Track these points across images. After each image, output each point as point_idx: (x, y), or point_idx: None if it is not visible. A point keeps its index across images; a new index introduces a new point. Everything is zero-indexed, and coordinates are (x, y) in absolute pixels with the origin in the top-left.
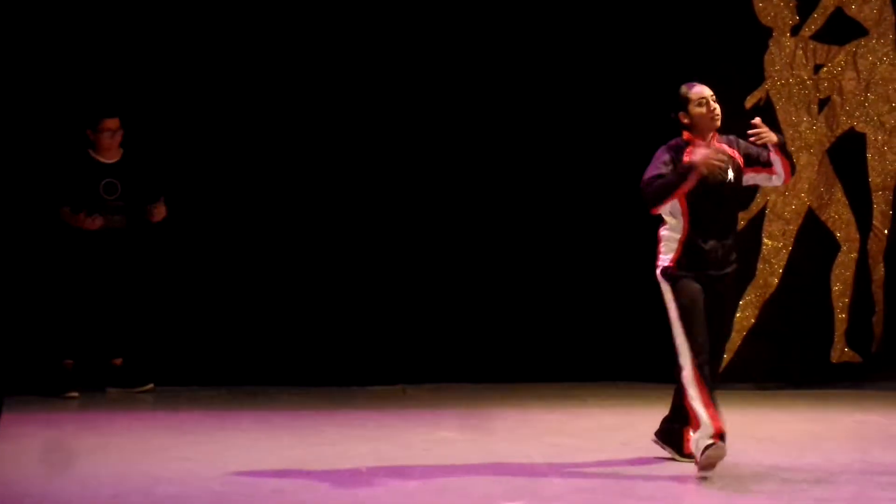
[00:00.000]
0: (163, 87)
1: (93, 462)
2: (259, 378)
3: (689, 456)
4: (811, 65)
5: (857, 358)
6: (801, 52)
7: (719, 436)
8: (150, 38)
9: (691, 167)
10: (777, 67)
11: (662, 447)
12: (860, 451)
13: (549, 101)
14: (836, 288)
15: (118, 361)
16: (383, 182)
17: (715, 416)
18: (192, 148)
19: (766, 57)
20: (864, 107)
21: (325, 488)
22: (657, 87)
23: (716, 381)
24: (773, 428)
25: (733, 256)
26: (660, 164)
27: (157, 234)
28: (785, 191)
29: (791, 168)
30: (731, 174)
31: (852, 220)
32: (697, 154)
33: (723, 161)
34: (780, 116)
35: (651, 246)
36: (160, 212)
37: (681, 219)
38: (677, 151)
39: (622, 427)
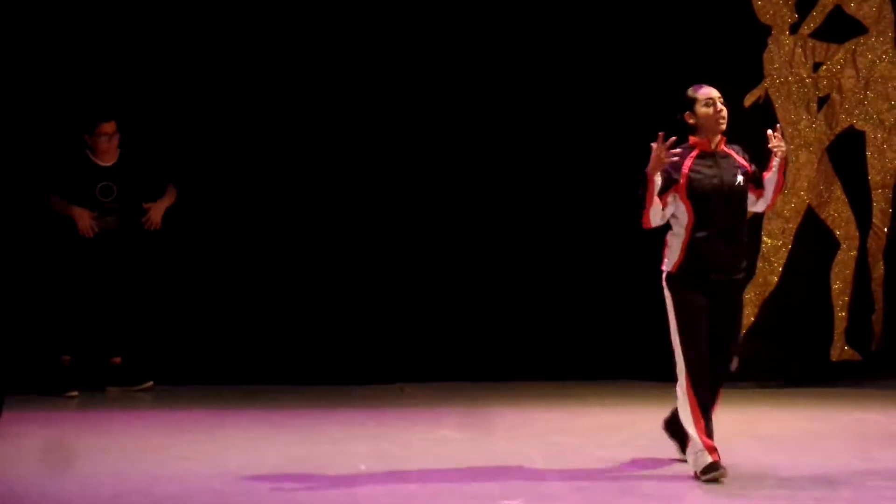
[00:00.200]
0: (159, 89)
1: (92, 461)
2: (258, 377)
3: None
4: (810, 63)
5: (856, 356)
6: (800, 50)
7: (711, 451)
8: (147, 41)
9: (644, 174)
10: (776, 65)
11: (669, 437)
12: (860, 450)
13: (548, 100)
14: (836, 286)
15: (117, 360)
16: (381, 181)
17: (702, 435)
18: (192, 147)
19: (765, 55)
20: (864, 105)
21: (324, 487)
22: (657, 85)
23: (721, 385)
24: (772, 426)
25: (743, 264)
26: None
27: (156, 232)
28: (784, 189)
29: (781, 189)
30: (738, 178)
31: (852, 218)
32: (650, 165)
33: (669, 155)
34: (780, 115)
35: (650, 245)
36: (157, 213)
37: (686, 221)
38: (681, 155)
39: (622, 426)
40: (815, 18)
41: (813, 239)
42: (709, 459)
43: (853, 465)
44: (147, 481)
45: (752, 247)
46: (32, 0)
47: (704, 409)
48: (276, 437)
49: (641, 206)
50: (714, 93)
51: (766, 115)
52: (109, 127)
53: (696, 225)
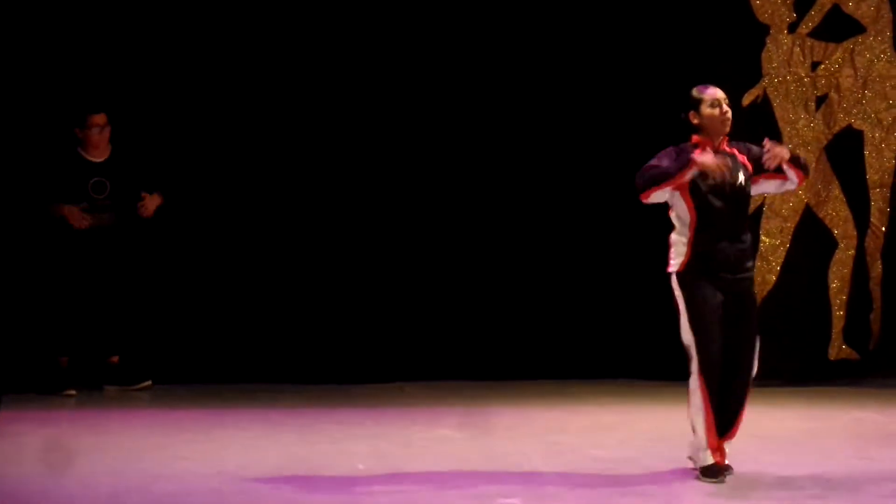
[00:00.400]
0: (156, 83)
1: (91, 460)
2: (257, 376)
3: (717, 472)
4: (808, 62)
5: (854, 355)
6: (798, 49)
7: (715, 450)
8: (138, 34)
9: (690, 161)
10: (774, 65)
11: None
12: (858, 449)
13: (547, 98)
14: (834, 285)
15: (115, 359)
16: (380, 179)
17: (710, 432)
18: (191, 144)
19: (764, 54)
20: (862, 104)
21: (323, 486)
22: (656, 84)
23: (745, 391)
24: (770, 425)
25: (749, 263)
26: (662, 156)
27: (154, 230)
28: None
29: (806, 173)
30: (741, 177)
31: (850, 217)
32: (704, 156)
33: (725, 170)
34: (778, 114)
35: (649, 243)
36: (152, 203)
37: (688, 221)
38: (685, 154)
39: (620, 425)
40: (814, 18)
41: (811, 238)
42: (710, 460)
43: (851, 464)
44: (145, 480)
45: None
46: None
47: (715, 404)
48: (274, 437)
49: (660, 180)
50: (720, 94)
51: (764, 114)
52: (100, 118)
53: (699, 225)
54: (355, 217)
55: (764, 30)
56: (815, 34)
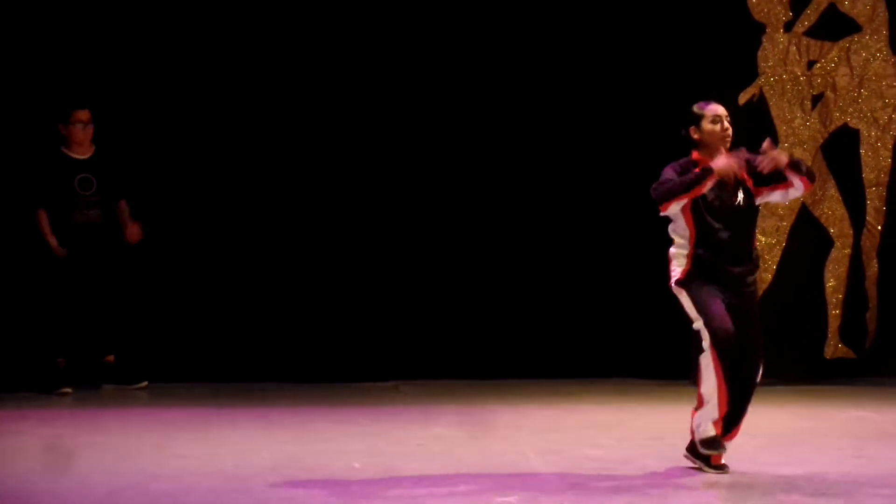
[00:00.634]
0: (146, 81)
1: (87, 459)
2: (253, 375)
3: (716, 467)
4: (804, 61)
5: (850, 354)
6: (794, 48)
7: (722, 420)
8: (121, 31)
9: (709, 170)
10: (770, 64)
11: (692, 462)
12: (854, 448)
13: (544, 99)
14: (830, 284)
15: (111, 359)
16: (377, 178)
17: (723, 402)
18: (184, 141)
19: (760, 53)
20: (858, 103)
21: (319, 484)
22: (653, 83)
23: (750, 395)
24: (767, 424)
25: (750, 278)
26: (668, 173)
27: (151, 230)
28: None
29: (811, 179)
30: (740, 196)
31: (846, 216)
32: (719, 161)
33: (739, 166)
34: (774, 113)
35: (645, 244)
36: (134, 233)
37: (688, 238)
38: (684, 170)
39: (616, 424)
40: (810, 17)
41: (807, 237)
42: (712, 432)
43: (848, 462)
44: (142, 479)
45: None
46: None
47: (729, 377)
48: (271, 435)
49: (680, 191)
50: (721, 110)
51: (760, 113)
52: (84, 114)
53: (698, 240)
54: (352, 215)
55: (760, 28)
56: (812, 33)
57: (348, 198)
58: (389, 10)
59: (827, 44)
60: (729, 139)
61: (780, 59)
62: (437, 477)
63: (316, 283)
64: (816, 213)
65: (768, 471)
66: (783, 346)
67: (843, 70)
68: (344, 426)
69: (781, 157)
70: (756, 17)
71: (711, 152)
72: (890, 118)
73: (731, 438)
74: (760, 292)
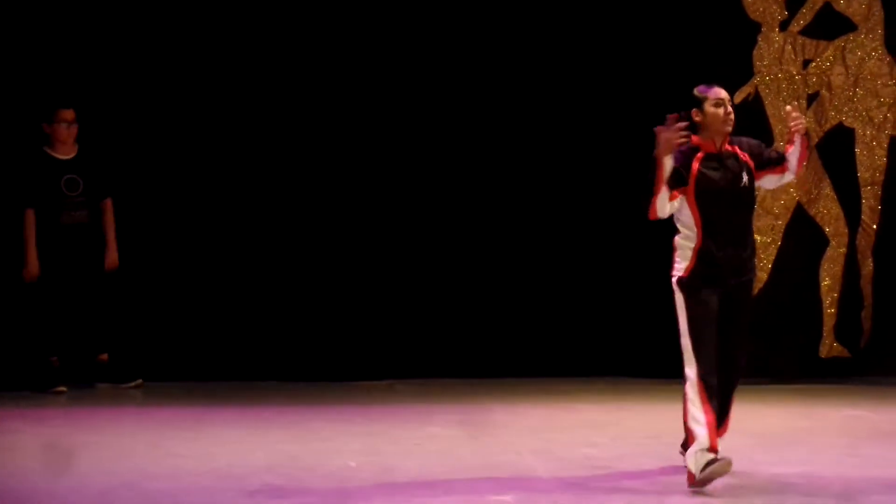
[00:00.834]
0: (140, 79)
1: (82, 458)
2: (248, 373)
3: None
4: (800, 60)
5: (845, 353)
6: (789, 47)
7: (714, 451)
8: (104, 29)
9: (654, 158)
10: (766, 62)
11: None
12: (849, 447)
13: (539, 95)
14: (825, 283)
15: (104, 357)
16: (372, 176)
17: (712, 434)
18: (176, 140)
19: (755, 52)
20: (853, 102)
21: (314, 483)
22: (648, 82)
23: (733, 389)
24: (761, 423)
25: (751, 264)
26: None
27: (143, 229)
28: (808, 158)
29: (807, 157)
30: (745, 178)
31: (841, 215)
32: (658, 143)
33: (679, 137)
34: (769, 111)
35: (641, 243)
36: (112, 259)
37: (694, 227)
38: (686, 157)
39: (612, 422)
40: (805, 15)
41: (802, 236)
42: (710, 456)
43: (842, 461)
44: (136, 478)
45: None
46: None
47: (714, 405)
48: (266, 434)
49: (649, 192)
50: (724, 94)
51: (755, 111)
52: (69, 114)
53: (705, 229)
54: (347, 214)
55: (755, 27)
56: (807, 32)
57: (343, 195)
58: (385, 10)
59: (822, 43)
60: (731, 123)
61: (776, 58)
62: (433, 476)
63: (311, 281)
64: (812, 212)
65: (763, 470)
66: (778, 345)
67: (839, 69)
68: (340, 425)
69: (803, 124)
70: (751, 15)
71: (713, 136)
72: (885, 117)
73: (723, 434)
74: (756, 291)
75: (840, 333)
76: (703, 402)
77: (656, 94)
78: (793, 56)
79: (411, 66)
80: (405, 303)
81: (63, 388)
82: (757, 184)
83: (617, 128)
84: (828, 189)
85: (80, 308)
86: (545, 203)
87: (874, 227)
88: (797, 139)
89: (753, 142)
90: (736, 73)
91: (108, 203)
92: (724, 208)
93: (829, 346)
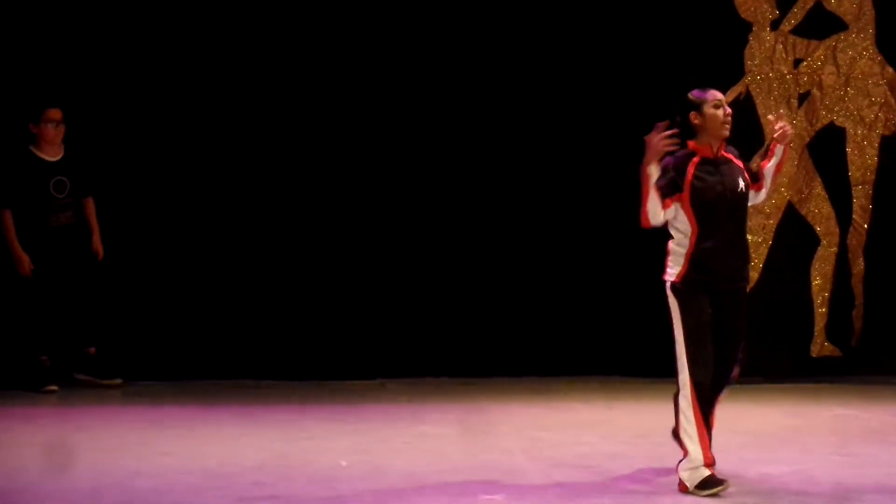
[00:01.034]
0: (129, 79)
1: (71, 456)
2: (239, 372)
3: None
4: (791, 59)
5: (837, 352)
6: (780, 46)
7: (709, 466)
8: (92, 29)
9: (641, 167)
10: (757, 62)
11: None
12: (840, 445)
13: (532, 98)
14: (816, 282)
15: (92, 350)
16: (362, 175)
17: (706, 447)
18: (159, 138)
19: (746, 51)
20: (844, 101)
21: (304, 482)
22: (638, 83)
23: (721, 391)
24: (753, 422)
25: (745, 272)
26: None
27: (133, 228)
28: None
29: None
30: (740, 183)
31: (832, 214)
32: (646, 152)
33: (665, 144)
34: (760, 111)
35: (632, 242)
36: (98, 252)
37: (689, 233)
38: (681, 162)
39: (602, 421)
40: (796, 15)
41: (793, 235)
42: (706, 473)
43: (833, 460)
44: (126, 476)
45: None
46: None
47: (707, 421)
48: (256, 433)
49: (642, 203)
50: (721, 95)
51: (747, 111)
52: (56, 113)
53: (700, 235)
54: (338, 212)
55: (746, 27)
56: (798, 31)
57: (334, 194)
58: (384, 10)
59: (813, 42)
60: (729, 125)
61: (767, 58)
62: (424, 475)
63: (302, 280)
64: (803, 212)
65: (754, 469)
66: (769, 344)
67: (830, 68)
68: (330, 424)
69: (790, 134)
70: (742, 15)
71: (710, 139)
72: (876, 116)
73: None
74: (747, 290)
75: (831, 333)
76: (695, 415)
77: (648, 94)
78: (784, 55)
79: (410, 66)
80: (396, 301)
81: (54, 388)
82: None
83: (606, 127)
84: (819, 188)
85: (70, 307)
86: (535, 204)
87: (865, 226)
88: (777, 150)
89: (734, 150)
90: (727, 72)
91: (90, 201)
92: (720, 215)
93: (820, 346)
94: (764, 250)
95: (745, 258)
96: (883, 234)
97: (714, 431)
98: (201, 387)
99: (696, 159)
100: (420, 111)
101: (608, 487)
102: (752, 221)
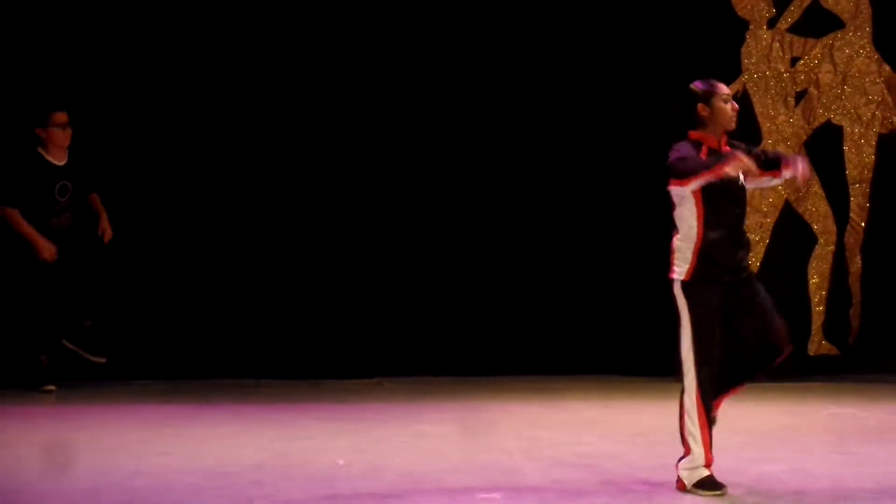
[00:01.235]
0: (134, 82)
1: (70, 455)
2: (237, 371)
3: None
4: (788, 57)
5: (834, 351)
6: (777, 44)
7: (708, 466)
8: (95, 33)
9: (723, 161)
10: (754, 60)
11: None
12: (837, 444)
13: (529, 96)
14: (814, 281)
15: (88, 323)
16: (360, 174)
17: (707, 448)
18: (158, 138)
19: (743, 49)
20: (841, 99)
21: (303, 481)
22: (634, 80)
23: (765, 368)
24: (750, 420)
25: (746, 262)
26: (683, 149)
27: (132, 228)
28: None
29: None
30: (741, 177)
31: (829, 212)
32: (739, 158)
33: (751, 168)
34: (757, 109)
35: (630, 241)
36: (107, 232)
37: (695, 224)
38: (692, 151)
39: (600, 420)
40: (793, 13)
41: (790, 234)
42: (705, 473)
43: (831, 459)
44: (125, 475)
45: None
46: None
47: (710, 421)
48: (254, 432)
49: (697, 170)
50: (728, 90)
51: (743, 109)
52: (63, 116)
53: (706, 226)
54: (335, 211)
55: (743, 25)
56: (795, 29)
57: (332, 193)
58: (384, 10)
59: (810, 40)
60: (735, 119)
61: (764, 56)
62: (422, 474)
63: (301, 279)
64: (800, 210)
65: (751, 467)
66: None
67: (827, 67)
68: (328, 423)
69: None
70: (739, 13)
71: (715, 131)
72: (873, 115)
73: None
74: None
75: (828, 331)
76: (699, 416)
77: (645, 92)
78: (781, 54)
79: (410, 65)
80: (394, 300)
81: (52, 387)
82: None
83: (602, 124)
84: (816, 187)
85: (67, 308)
86: (533, 202)
87: (862, 224)
88: (785, 174)
89: (741, 144)
90: (724, 70)
91: (96, 196)
92: (726, 205)
93: (817, 344)
94: (761, 249)
95: (748, 249)
96: (880, 233)
97: (713, 431)
98: (200, 386)
99: (704, 150)
100: (417, 108)
101: (606, 486)
102: (750, 220)
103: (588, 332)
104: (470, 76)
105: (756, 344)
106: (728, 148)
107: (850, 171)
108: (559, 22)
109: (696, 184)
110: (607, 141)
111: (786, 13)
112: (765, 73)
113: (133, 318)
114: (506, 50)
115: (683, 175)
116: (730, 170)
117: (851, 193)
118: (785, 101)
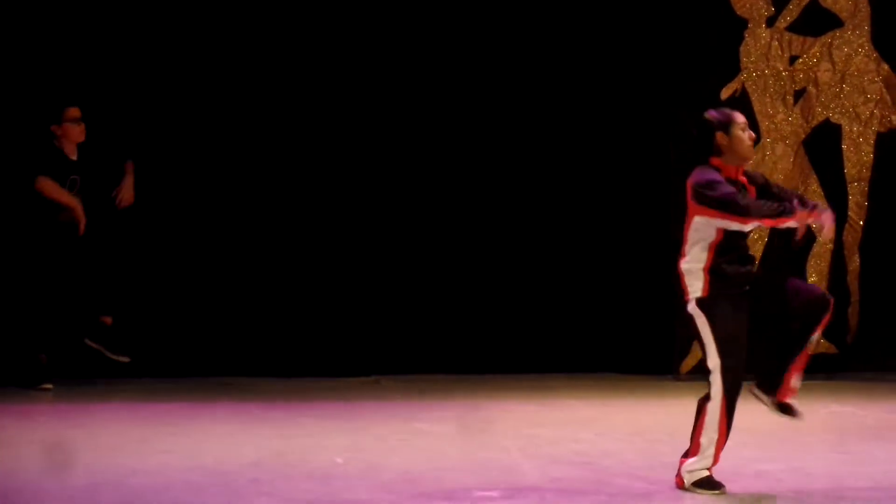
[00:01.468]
0: (144, 79)
1: (68, 453)
2: (235, 369)
3: (782, 407)
4: (787, 56)
5: (832, 349)
6: (776, 43)
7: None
8: (107, 32)
9: (787, 216)
10: (752, 59)
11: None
12: (836, 443)
13: (528, 97)
14: (812, 279)
15: (108, 320)
16: (358, 174)
17: (718, 455)
18: (164, 137)
19: (742, 48)
20: (840, 98)
21: (300, 479)
22: (634, 81)
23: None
24: (748, 419)
25: (754, 273)
26: (722, 183)
27: (131, 224)
28: None
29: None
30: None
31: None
32: (813, 213)
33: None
34: (756, 108)
35: (627, 239)
36: (128, 190)
37: (707, 247)
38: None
39: (598, 419)
40: (792, 12)
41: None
42: (705, 473)
43: (829, 457)
44: (123, 474)
45: None
46: None
47: (729, 429)
48: (252, 430)
49: (760, 214)
50: (745, 119)
51: (742, 108)
52: (76, 111)
53: (717, 251)
54: (333, 210)
55: (742, 24)
56: (794, 28)
57: (330, 192)
58: (384, 10)
59: (809, 39)
60: (752, 150)
61: (763, 55)
62: (420, 472)
63: (298, 278)
64: None
65: (750, 466)
66: None
67: (826, 65)
68: (326, 421)
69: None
70: (738, 12)
71: (735, 160)
72: (872, 113)
73: (788, 395)
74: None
75: (827, 329)
76: (720, 424)
77: (644, 91)
78: (780, 52)
79: (409, 66)
80: (392, 298)
81: (49, 386)
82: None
83: (602, 124)
84: (814, 185)
85: (72, 305)
86: (532, 201)
87: (861, 223)
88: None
89: (758, 174)
90: (723, 69)
91: (131, 163)
92: (740, 234)
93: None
94: (760, 247)
95: (753, 262)
96: (878, 231)
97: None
98: (198, 384)
99: (723, 176)
100: (416, 108)
101: (604, 484)
102: None
103: (586, 330)
104: (469, 76)
105: (800, 306)
106: (745, 179)
107: (849, 170)
108: (559, 21)
109: (752, 225)
110: (606, 140)
111: (784, 12)
112: (763, 71)
113: (132, 318)
114: (505, 50)
115: (744, 214)
116: (791, 225)
117: (850, 192)
118: (784, 99)
